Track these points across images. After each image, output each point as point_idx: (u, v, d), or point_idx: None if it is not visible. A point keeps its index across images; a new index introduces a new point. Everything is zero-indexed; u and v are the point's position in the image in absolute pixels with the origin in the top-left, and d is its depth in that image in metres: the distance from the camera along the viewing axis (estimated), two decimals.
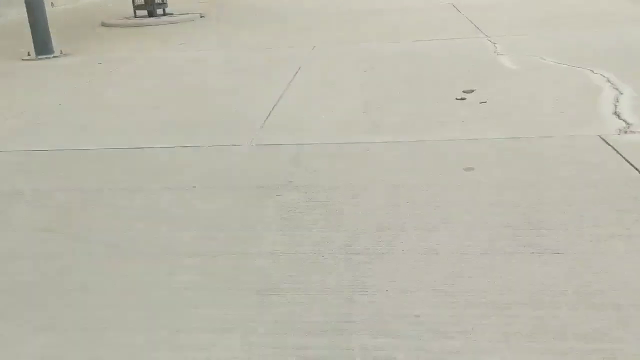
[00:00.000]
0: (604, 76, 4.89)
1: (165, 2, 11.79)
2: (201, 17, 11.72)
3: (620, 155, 3.16)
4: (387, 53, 6.76)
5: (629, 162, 3.09)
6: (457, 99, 4.58)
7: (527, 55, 6.01)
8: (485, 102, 4.41)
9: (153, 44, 8.67)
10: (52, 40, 8.26)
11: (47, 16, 8.17)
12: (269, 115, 4.49)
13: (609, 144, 3.37)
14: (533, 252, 2.28)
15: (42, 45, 7.89)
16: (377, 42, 7.61)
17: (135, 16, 11.71)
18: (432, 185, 2.98)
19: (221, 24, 10.59)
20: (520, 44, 6.70)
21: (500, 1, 10.98)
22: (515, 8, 9.86)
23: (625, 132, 3.57)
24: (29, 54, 7.97)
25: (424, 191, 2.90)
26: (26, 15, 8.01)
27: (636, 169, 3.00)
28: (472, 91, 4.76)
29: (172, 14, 11.87)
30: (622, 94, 4.40)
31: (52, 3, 16.51)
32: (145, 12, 11.74)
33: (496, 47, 6.58)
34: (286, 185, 3.08)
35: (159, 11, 11.81)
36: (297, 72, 5.97)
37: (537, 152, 3.36)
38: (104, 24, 11.36)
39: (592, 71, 5.10)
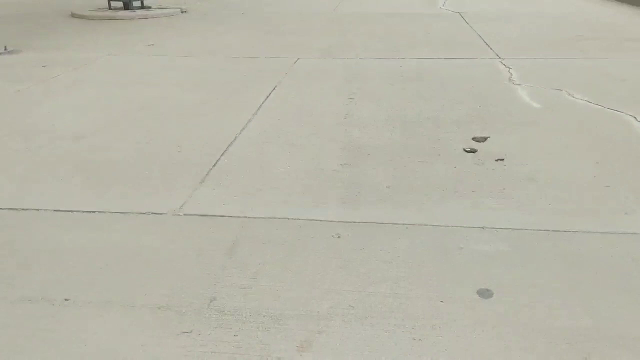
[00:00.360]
0: None
1: None
2: (182, 12, 10.64)
3: None
4: (381, 73, 5.68)
5: None
6: (465, 150, 3.52)
7: (550, 87, 4.95)
8: (502, 160, 3.36)
9: (117, 43, 7.57)
10: (4, 34, 7.17)
11: (11, 2, 7.07)
12: (219, 160, 3.42)
13: None
14: None
15: None
16: (372, 56, 6.54)
17: (110, 8, 10.62)
18: (428, 326, 1.92)
19: (202, 22, 9.49)
20: (539, 70, 5.64)
21: (512, 13, 9.94)
22: (529, 23, 8.80)
23: None
24: None
25: (417, 343, 1.84)
26: None
27: None
28: (485, 139, 3.71)
29: (150, 7, 10.78)
30: None
31: None
32: (121, 4, 10.66)
33: (511, 74, 5.52)
34: (205, 306, 2.01)
35: (136, 3, 10.72)
36: (269, 95, 4.90)
37: (580, 262, 2.31)
38: (73, 15, 10.26)
39: (635, 118, 4.05)
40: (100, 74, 5.88)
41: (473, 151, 3.50)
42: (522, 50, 6.66)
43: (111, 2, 10.63)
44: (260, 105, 4.57)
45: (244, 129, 4.02)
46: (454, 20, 9.27)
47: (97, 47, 7.33)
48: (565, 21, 8.88)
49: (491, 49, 6.82)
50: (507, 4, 11.33)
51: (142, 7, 10.74)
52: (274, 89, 5.12)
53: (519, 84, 5.12)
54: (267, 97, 4.84)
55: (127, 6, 10.51)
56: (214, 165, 3.35)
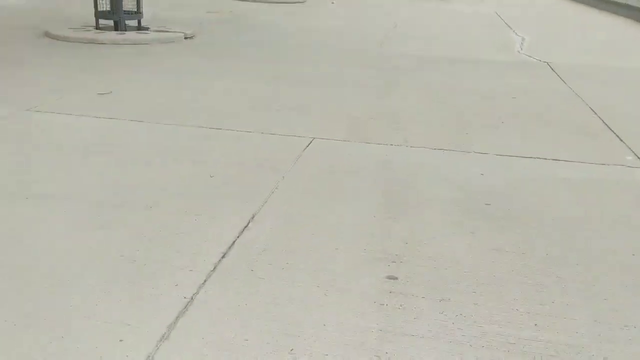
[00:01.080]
0: None
1: (139, 11, 8.45)
2: (186, 38, 8.36)
3: None
4: (445, 190, 3.20)
5: None
6: None
7: None
8: None
9: (61, 87, 5.26)
10: None
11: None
12: None
13: None
14: None
15: None
16: (429, 143, 4.06)
17: (97, 27, 8.40)
18: None
19: (202, 56, 7.16)
20: None
21: (615, 69, 7.33)
22: None
23: None
24: None
25: None
26: None
27: None
28: None
29: (147, 29, 8.54)
30: None
31: None
32: (112, 23, 8.44)
33: None
34: None
35: (130, 23, 8.50)
36: (230, 249, 2.46)
37: None
38: (47, 35, 8.06)
39: None
40: None
41: None
42: None
43: (100, 20, 8.43)
44: (195, 294, 2.14)
45: None
46: (542, 76, 6.71)
47: (26, 92, 5.04)
48: None
49: (622, 141, 4.27)
50: (602, 53, 8.72)
51: (139, 28, 8.51)
52: (247, 226, 2.69)
53: None
54: (223, 256, 2.40)
55: (117, 26, 8.28)
56: None
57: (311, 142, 4.03)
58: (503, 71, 6.91)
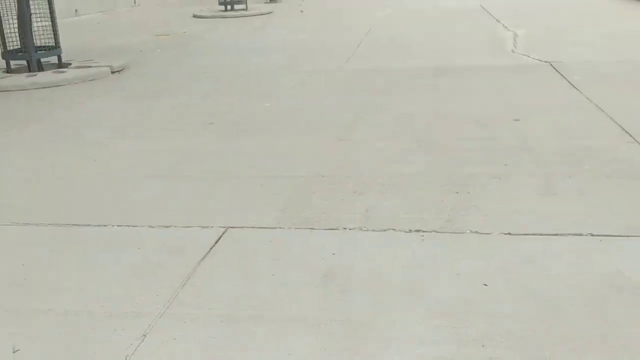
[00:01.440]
0: None
1: (58, 45, 7.07)
2: (113, 72, 6.97)
3: None
4: (417, 348, 1.78)
5: None
6: None
7: None
8: None
9: None
10: None
11: None
12: None
13: None
14: None
15: None
16: (390, 222, 2.65)
17: (8, 70, 7.00)
18: None
19: (123, 99, 5.75)
20: None
21: (636, 66, 5.94)
22: None
23: None
24: None
25: None
26: None
27: None
28: None
29: (69, 64, 7.18)
30: None
31: None
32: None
33: None
34: None
35: (48, 60, 7.12)
36: None
37: None
38: None
39: None
40: None
41: None
42: None
43: (11, 61, 7.02)
44: None
45: None
46: (547, 82, 5.31)
47: None
48: None
49: None
50: (620, 47, 7.33)
51: (60, 65, 7.09)
52: None
53: None
54: None
55: (30, 66, 6.88)
56: None
57: (222, 235, 2.63)
58: (497, 80, 5.50)
